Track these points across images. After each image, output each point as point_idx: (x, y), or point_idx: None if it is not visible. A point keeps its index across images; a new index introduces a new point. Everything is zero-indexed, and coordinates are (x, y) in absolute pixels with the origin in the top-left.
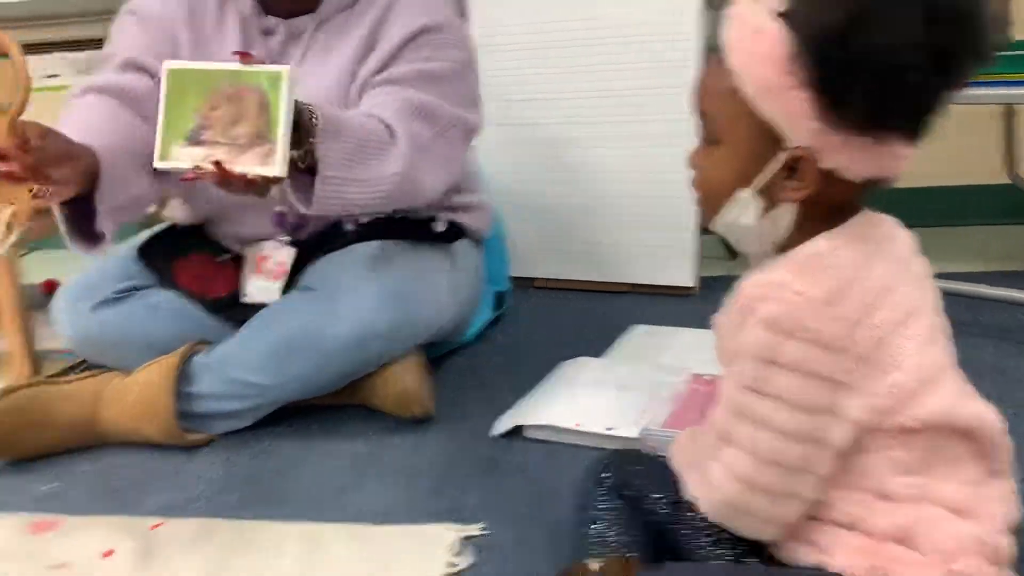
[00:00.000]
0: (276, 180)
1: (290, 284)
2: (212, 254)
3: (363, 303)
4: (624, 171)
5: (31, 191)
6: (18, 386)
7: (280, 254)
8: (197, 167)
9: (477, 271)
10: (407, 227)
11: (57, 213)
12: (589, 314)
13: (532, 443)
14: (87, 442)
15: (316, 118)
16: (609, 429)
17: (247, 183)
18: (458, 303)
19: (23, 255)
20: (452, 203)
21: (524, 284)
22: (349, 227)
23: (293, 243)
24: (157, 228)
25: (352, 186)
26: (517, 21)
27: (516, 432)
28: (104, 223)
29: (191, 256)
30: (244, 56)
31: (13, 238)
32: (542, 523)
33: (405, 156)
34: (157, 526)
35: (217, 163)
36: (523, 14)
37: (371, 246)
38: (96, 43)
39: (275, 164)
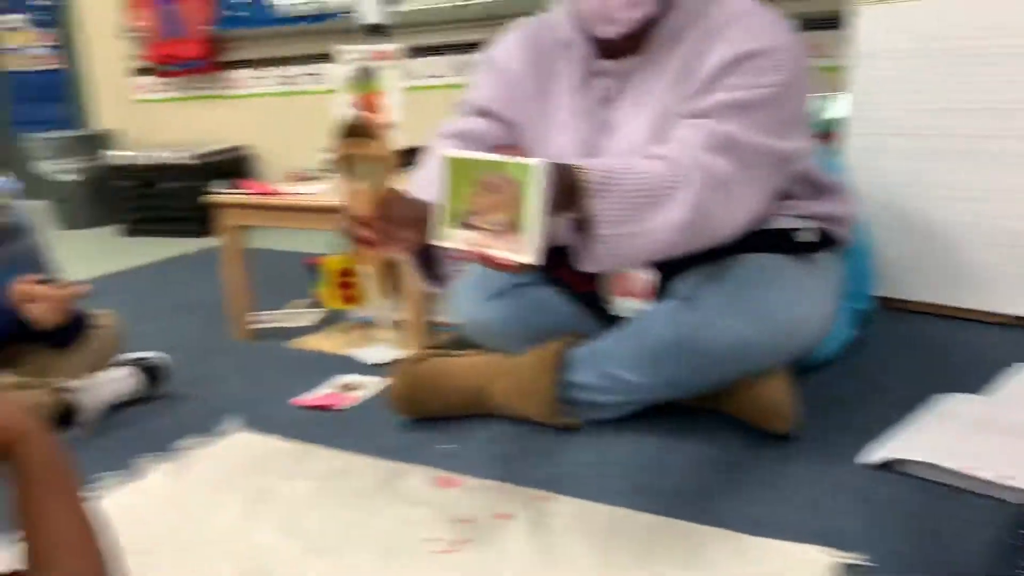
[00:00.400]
0: (528, 266)
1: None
2: None
3: (739, 316)
4: (1009, 191)
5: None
6: (424, 355)
7: (644, 275)
8: (464, 249)
9: (838, 284)
10: (772, 237)
11: (411, 261)
12: (963, 345)
13: (906, 478)
14: (476, 411)
15: (586, 178)
16: (1007, 478)
17: (505, 266)
18: (821, 317)
19: None
20: (815, 212)
21: (890, 305)
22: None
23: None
24: None
25: (630, 240)
26: (901, 27)
27: (886, 463)
28: (445, 269)
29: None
30: (506, 149)
31: (381, 296)
32: (930, 565)
33: (692, 200)
34: (544, 499)
35: (479, 248)
36: (910, 21)
37: (744, 260)
38: (474, 46)
39: (527, 253)
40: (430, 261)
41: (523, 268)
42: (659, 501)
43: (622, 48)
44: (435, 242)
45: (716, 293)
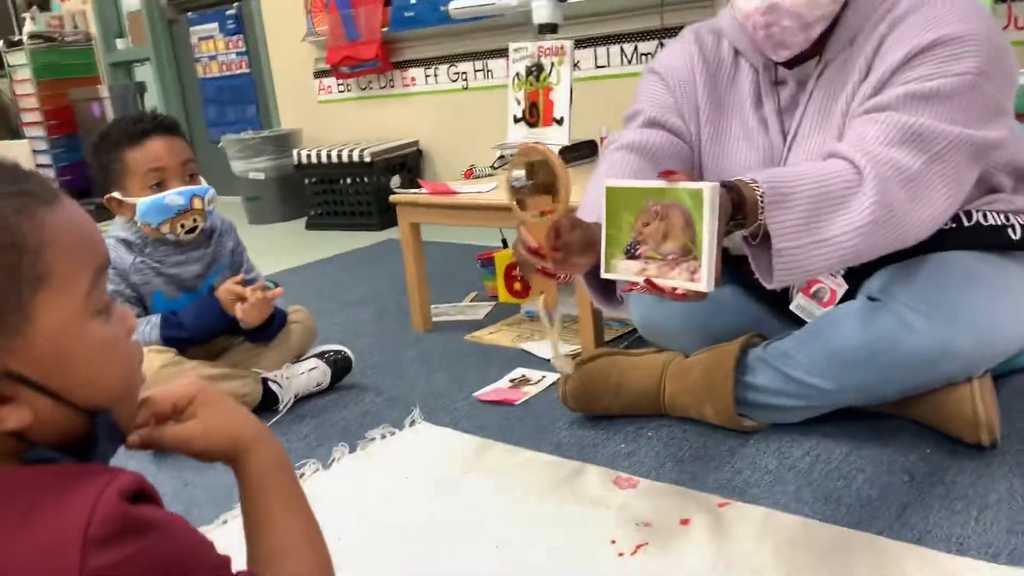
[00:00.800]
0: (704, 294)
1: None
2: None
3: (942, 320)
4: None
5: (557, 279)
6: (600, 353)
7: (833, 282)
8: (635, 281)
9: None
10: (979, 234)
11: (584, 283)
12: None
13: None
14: (651, 411)
15: (758, 191)
16: None
17: (681, 296)
18: None
19: None
20: (1020, 207)
21: None
22: None
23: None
24: None
25: (813, 250)
26: None
27: None
28: (619, 292)
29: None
30: (668, 174)
31: (556, 324)
32: None
33: (874, 199)
34: (724, 504)
35: (648, 280)
36: None
37: (945, 258)
38: (640, 36)
39: (702, 280)
40: (603, 283)
41: (699, 297)
42: (845, 512)
43: (801, 54)
44: (604, 276)
45: (910, 294)
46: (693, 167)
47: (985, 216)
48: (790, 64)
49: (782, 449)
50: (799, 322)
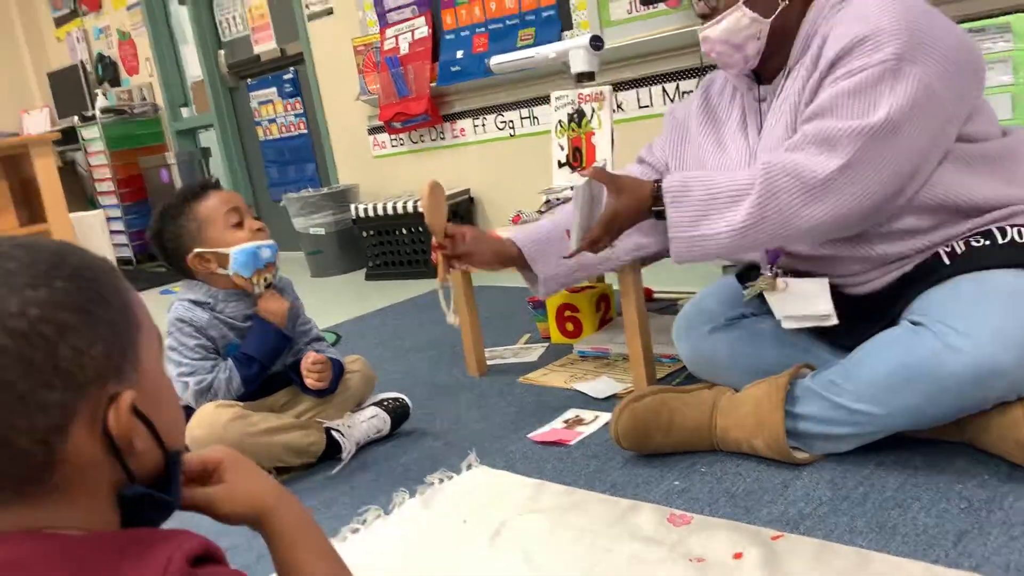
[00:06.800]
0: (576, 252)
1: (883, 315)
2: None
3: (985, 338)
4: None
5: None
6: (651, 391)
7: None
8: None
9: None
10: (1015, 250)
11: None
12: None
13: None
14: (703, 447)
15: (665, 190)
16: None
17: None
18: None
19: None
20: None
21: None
22: (945, 259)
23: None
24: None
25: (700, 241)
26: None
27: None
28: (542, 286)
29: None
30: (582, 171)
31: (443, 294)
32: None
33: (755, 203)
34: (777, 537)
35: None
36: None
37: (984, 277)
38: (681, 74)
39: (572, 243)
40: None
41: (571, 254)
42: (901, 541)
43: (771, 70)
44: (567, 255)
45: (951, 315)
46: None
47: (1020, 232)
48: (762, 80)
49: (836, 479)
50: (847, 351)
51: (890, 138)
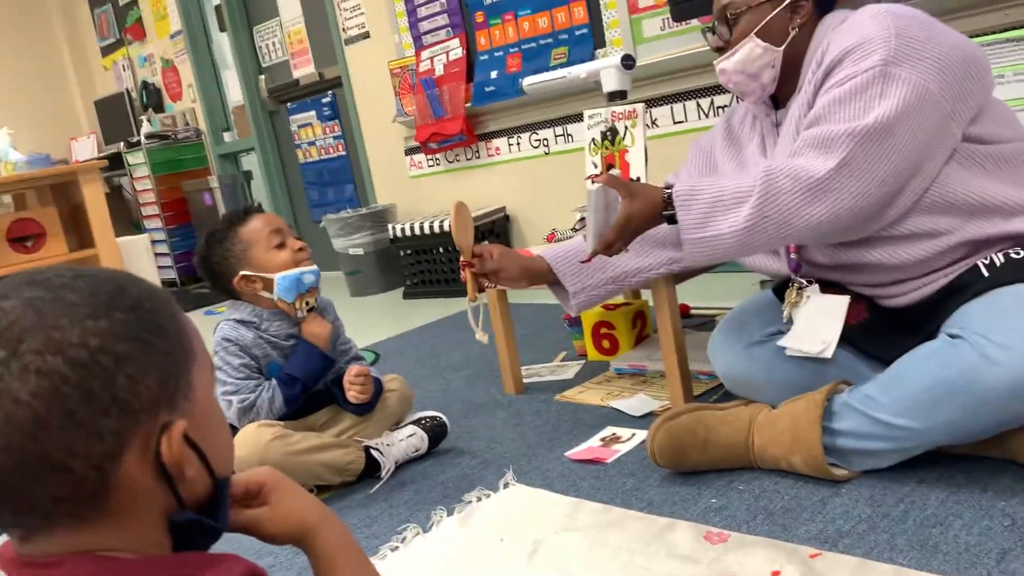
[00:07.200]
0: (593, 254)
1: (921, 328)
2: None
3: (1022, 350)
4: None
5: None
6: (688, 408)
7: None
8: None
9: None
10: None
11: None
12: None
13: None
14: (740, 464)
15: (675, 196)
16: None
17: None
18: None
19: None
20: None
21: None
22: (984, 271)
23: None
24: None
25: (707, 242)
26: None
27: None
28: (572, 301)
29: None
30: (596, 177)
31: (471, 310)
32: None
33: (754, 206)
34: (816, 555)
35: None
36: None
37: (1018, 289)
38: (715, 89)
39: (588, 245)
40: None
41: (588, 257)
42: (942, 559)
43: (786, 94)
44: (585, 260)
45: (989, 327)
46: None
47: None
48: (779, 105)
49: (875, 496)
50: (885, 366)
51: (884, 137)
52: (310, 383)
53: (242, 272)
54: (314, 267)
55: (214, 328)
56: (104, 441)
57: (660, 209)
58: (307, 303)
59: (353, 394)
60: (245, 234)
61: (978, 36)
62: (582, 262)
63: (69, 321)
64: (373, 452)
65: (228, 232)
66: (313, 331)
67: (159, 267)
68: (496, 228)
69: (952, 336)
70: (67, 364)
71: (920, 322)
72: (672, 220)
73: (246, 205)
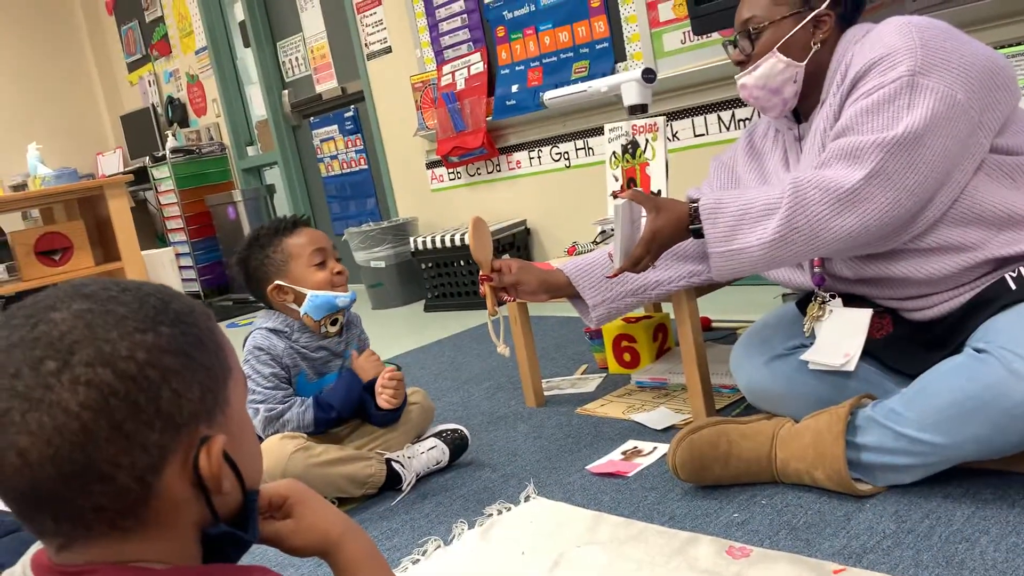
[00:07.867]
0: (621, 270)
1: (947, 342)
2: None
3: None
4: None
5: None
6: (710, 422)
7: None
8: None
9: None
10: None
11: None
12: None
13: None
14: (762, 478)
15: (701, 209)
16: None
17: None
18: None
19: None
20: None
21: None
22: (1011, 284)
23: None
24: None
25: (735, 255)
26: None
27: None
28: (592, 313)
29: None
30: (620, 193)
31: (492, 325)
32: None
33: (782, 223)
34: (839, 571)
35: (618, 272)
36: None
37: None
38: (737, 102)
39: (616, 261)
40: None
41: (615, 273)
42: (965, 574)
43: (808, 108)
44: (610, 276)
45: (1016, 341)
46: None
47: None
48: (801, 119)
49: (900, 512)
50: (910, 380)
51: (913, 147)
52: (345, 414)
53: (277, 281)
54: (351, 293)
55: (245, 338)
56: (148, 453)
57: (686, 223)
58: (333, 322)
59: (385, 397)
60: (289, 246)
61: (1002, 48)
62: (608, 277)
63: (119, 334)
64: (394, 464)
65: (273, 239)
66: (365, 367)
67: (183, 280)
68: (517, 241)
69: (978, 350)
70: (116, 377)
71: (946, 336)
72: (698, 234)
73: (295, 216)
